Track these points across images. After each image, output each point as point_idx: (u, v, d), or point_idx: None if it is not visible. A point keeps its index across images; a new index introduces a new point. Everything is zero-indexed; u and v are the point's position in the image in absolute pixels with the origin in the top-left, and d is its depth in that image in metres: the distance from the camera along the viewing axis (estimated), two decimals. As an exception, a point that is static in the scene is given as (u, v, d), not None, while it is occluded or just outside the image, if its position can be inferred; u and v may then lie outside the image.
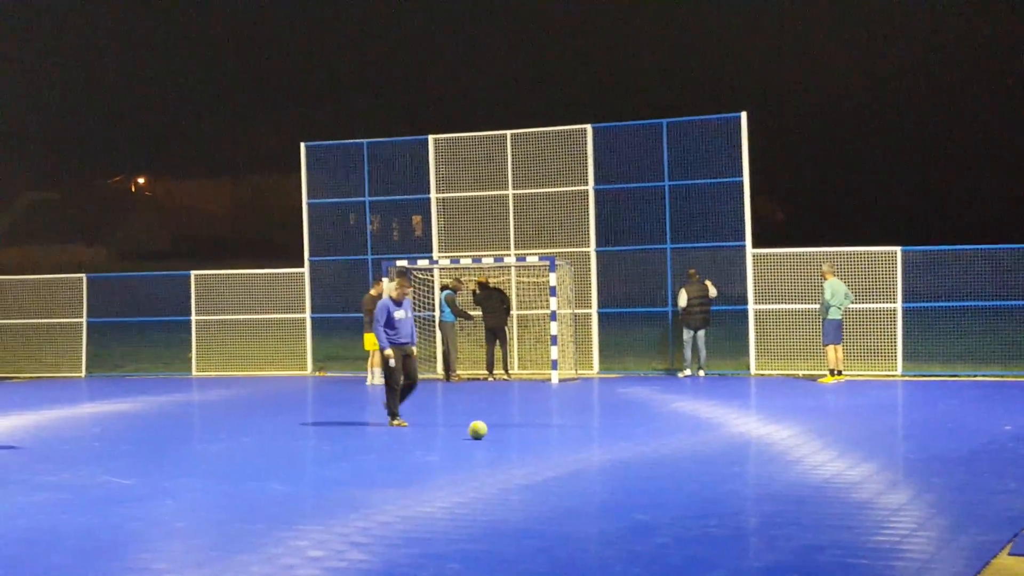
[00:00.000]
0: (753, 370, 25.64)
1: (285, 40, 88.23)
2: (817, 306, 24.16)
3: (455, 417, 18.71)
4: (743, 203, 25.59)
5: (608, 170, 26.76)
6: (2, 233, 73.72)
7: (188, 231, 76.38)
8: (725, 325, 26.29)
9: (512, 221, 27.17)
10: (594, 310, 26.66)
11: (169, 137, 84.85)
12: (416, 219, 30.10)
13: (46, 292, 31.00)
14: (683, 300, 25.23)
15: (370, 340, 24.28)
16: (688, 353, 25.45)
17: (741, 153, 25.59)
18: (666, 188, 26.28)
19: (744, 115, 25.61)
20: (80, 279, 30.66)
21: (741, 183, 25.59)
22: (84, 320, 30.29)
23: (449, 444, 15.77)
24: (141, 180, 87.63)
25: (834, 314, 23.63)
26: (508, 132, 27.35)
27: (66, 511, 11.31)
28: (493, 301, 25.86)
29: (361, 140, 28.80)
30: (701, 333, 25.41)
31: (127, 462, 14.66)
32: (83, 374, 30.06)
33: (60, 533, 10.35)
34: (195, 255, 55.60)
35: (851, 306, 24.04)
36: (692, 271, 25.41)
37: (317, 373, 28.47)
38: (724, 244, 25.89)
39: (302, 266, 28.78)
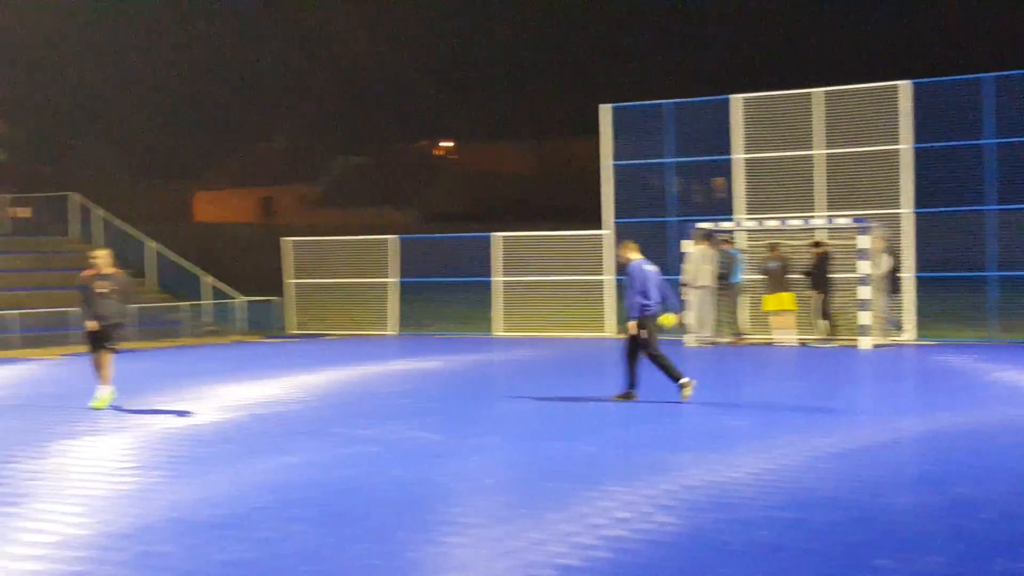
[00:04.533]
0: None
1: (588, 2, 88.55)
2: None
3: (762, 384, 18.30)
4: (1077, 161, 24.09)
5: (924, 127, 25.53)
6: (320, 196, 77.01)
7: (492, 194, 77.68)
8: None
9: (822, 182, 26.30)
10: (910, 274, 25.53)
11: (473, 102, 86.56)
12: (719, 181, 29.60)
13: (359, 253, 32.09)
14: None
15: (775, 300, 25.00)
16: None
17: (1077, 107, 24.07)
18: (991, 146, 24.86)
19: (1082, 66, 24.06)
20: (392, 240, 31.58)
21: (1076, 139, 24.07)
22: (396, 280, 31.22)
23: (756, 410, 15.42)
24: (448, 144, 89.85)
25: None
26: (817, 90, 26.48)
27: (380, 464, 11.62)
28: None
29: (664, 100, 28.48)
30: None
31: (436, 418, 14.99)
32: (395, 332, 30.98)
33: (375, 485, 10.61)
34: (498, 218, 56.51)
35: None
36: None
37: (620, 335, 28.44)
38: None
39: (603, 228, 28.77)
